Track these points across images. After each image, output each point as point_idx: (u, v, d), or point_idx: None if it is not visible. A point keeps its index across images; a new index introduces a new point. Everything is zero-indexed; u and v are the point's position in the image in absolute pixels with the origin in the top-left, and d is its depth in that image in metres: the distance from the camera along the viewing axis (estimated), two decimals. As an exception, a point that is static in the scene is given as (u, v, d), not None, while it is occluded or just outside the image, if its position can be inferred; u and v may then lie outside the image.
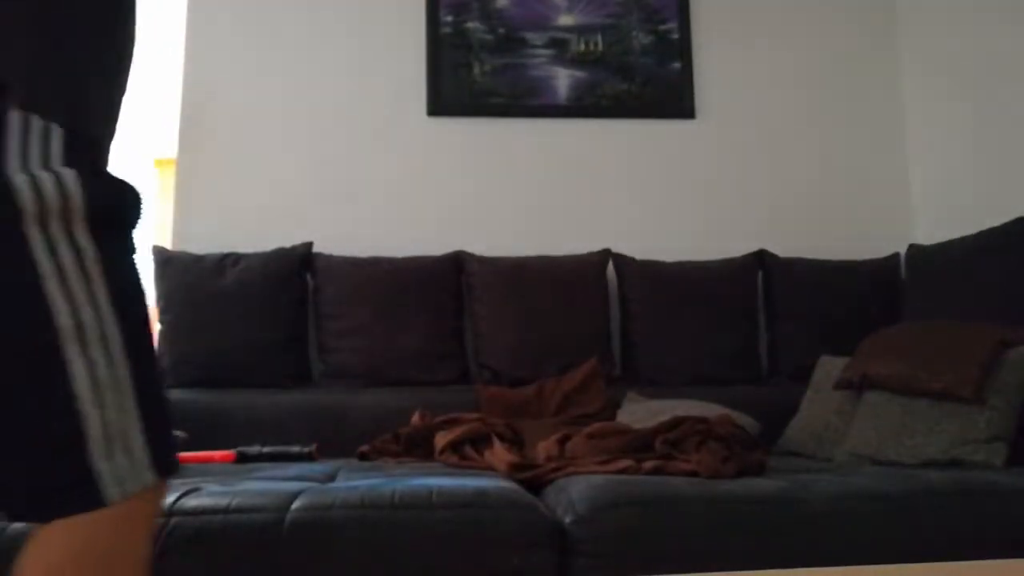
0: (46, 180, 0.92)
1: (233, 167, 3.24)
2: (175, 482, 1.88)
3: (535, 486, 1.95)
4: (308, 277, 3.00)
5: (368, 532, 1.61)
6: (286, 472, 2.08)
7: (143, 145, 6.62)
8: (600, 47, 3.33)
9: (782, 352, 2.97)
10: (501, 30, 3.31)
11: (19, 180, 0.90)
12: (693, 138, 3.33)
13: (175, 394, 2.77)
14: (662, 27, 3.35)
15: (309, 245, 3.02)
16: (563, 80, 3.31)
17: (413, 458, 2.39)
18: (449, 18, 3.31)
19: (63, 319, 0.93)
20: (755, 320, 3.02)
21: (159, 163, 6.73)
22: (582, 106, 3.31)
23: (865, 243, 3.18)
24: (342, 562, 1.59)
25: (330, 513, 1.62)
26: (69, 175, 0.93)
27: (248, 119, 3.27)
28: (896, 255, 3.06)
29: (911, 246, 2.94)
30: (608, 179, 3.29)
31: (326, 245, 3.06)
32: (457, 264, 3.02)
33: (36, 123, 0.93)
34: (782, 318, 2.99)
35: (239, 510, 1.62)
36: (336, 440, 2.59)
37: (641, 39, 3.34)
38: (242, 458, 2.41)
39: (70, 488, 0.95)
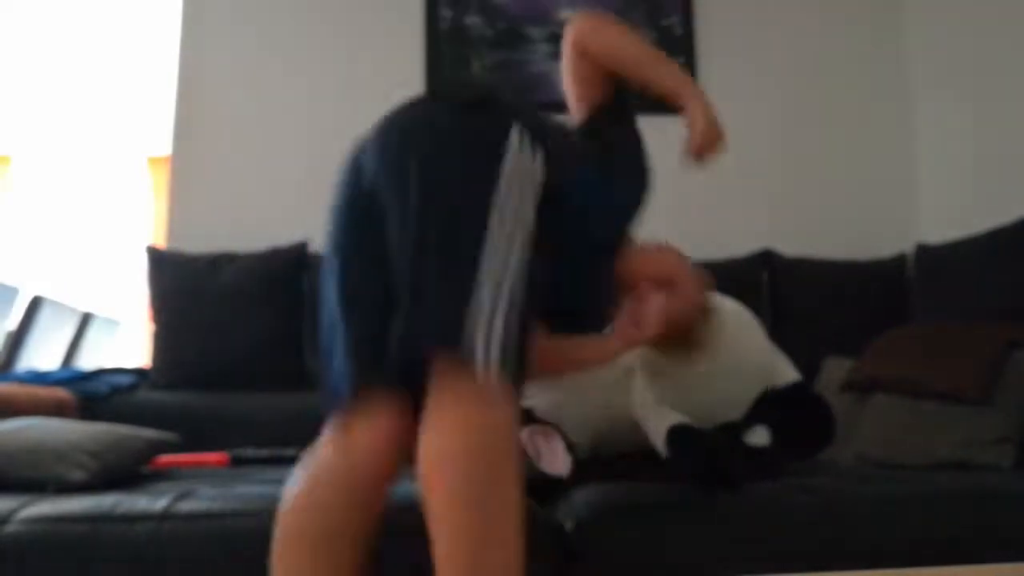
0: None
1: (227, 166, 3.25)
2: (167, 485, 1.87)
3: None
4: (303, 277, 2.98)
5: (364, 536, 1.58)
6: (280, 476, 2.06)
7: (136, 143, 6.62)
8: (604, 41, 3.32)
9: (787, 352, 2.94)
10: (501, 24, 3.32)
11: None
12: (696, 135, 3.32)
13: (168, 396, 2.78)
14: (665, 22, 3.36)
15: (304, 245, 3.01)
16: (564, 76, 3.30)
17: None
18: (448, 13, 3.31)
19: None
20: (760, 320, 3.00)
21: (153, 161, 6.73)
22: (583, 102, 3.30)
23: (872, 242, 3.18)
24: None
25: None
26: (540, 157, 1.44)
27: (243, 117, 3.28)
28: (903, 254, 3.06)
29: (919, 245, 2.94)
30: (609, 177, 3.27)
31: (321, 245, 3.04)
32: (456, 264, 3.00)
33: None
34: (788, 318, 2.97)
35: (232, 514, 1.63)
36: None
37: (644, 34, 3.33)
38: (236, 461, 2.41)
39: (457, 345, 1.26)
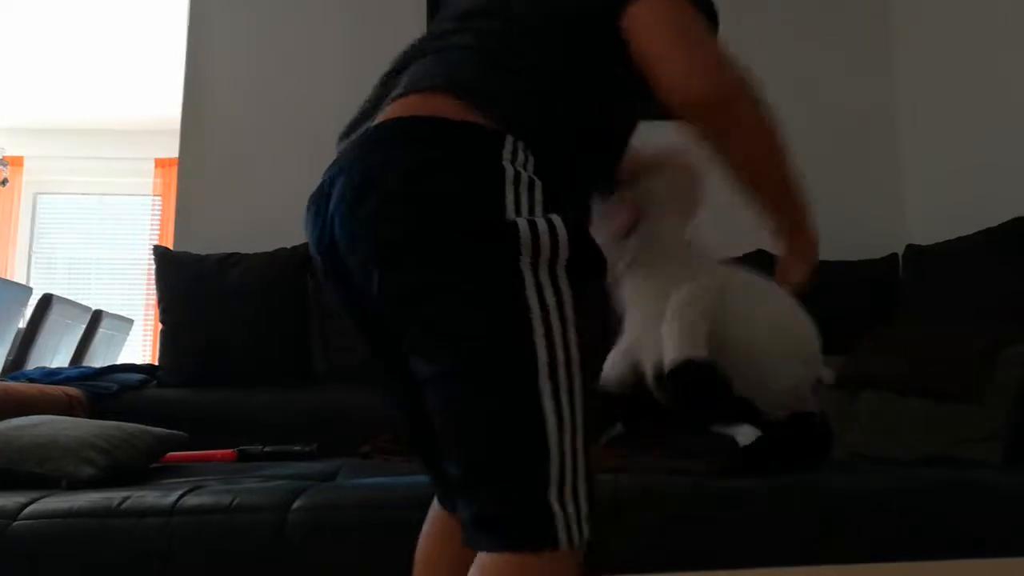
0: (540, 223, 0.97)
1: (234, 167, 3.25)
2: (176, 481, 1.89)
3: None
4: (309, 277, 3.01)
5: (368, 531, 1.62)
6: (287, 471, 2.09)
7: (145, 145, 6.63)
8: (599, 49, 3.32)
9: (780, 350, 2.98)
10: (501, 31, 3.31)
11: (520, 221, 0.97)
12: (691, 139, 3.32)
13: (176, 393, 2.79)
14: (661, 28, 3.35)
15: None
16: (563, 80, 3.30)
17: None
18: (449, 19, 3.31)
19: (541, 356, 0.96)
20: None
21: (160, 163, 6.74)
22: (582, 106, 3.30)
23: (863, 243, 3.18)
24: (342, 560, 1.60)
25: (331, 512, 1.64)
26: (558, 220, 0.99)
27: (249, 119, 3.28)
28: (894, 255, 3.06)
29: (908, 246, 2.94)
30: (608, 180, 3.28)
31: (327, 245, 3.07)
32: (457, 264, 3.02)
33: (524, 176, 1.00)
34: (780, 317, 2.99)
35: (240, 509, 1.65)
36: (337, 439, 2.58)
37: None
38: (243, 457, 2.42)
39: (524, 522, 0.96)
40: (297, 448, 2.45)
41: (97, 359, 4.28)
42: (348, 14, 3.36)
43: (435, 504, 1.27)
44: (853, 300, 2.97)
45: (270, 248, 3.01)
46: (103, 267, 6.82)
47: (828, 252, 3.06)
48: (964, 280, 2.58)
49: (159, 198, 6.78)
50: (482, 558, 0.98)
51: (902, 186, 3.36)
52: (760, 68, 3.49)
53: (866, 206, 3.35)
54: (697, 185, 1.73)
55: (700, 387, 1.64)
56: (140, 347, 6.40)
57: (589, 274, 1.05)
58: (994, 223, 2.54)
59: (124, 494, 1.69)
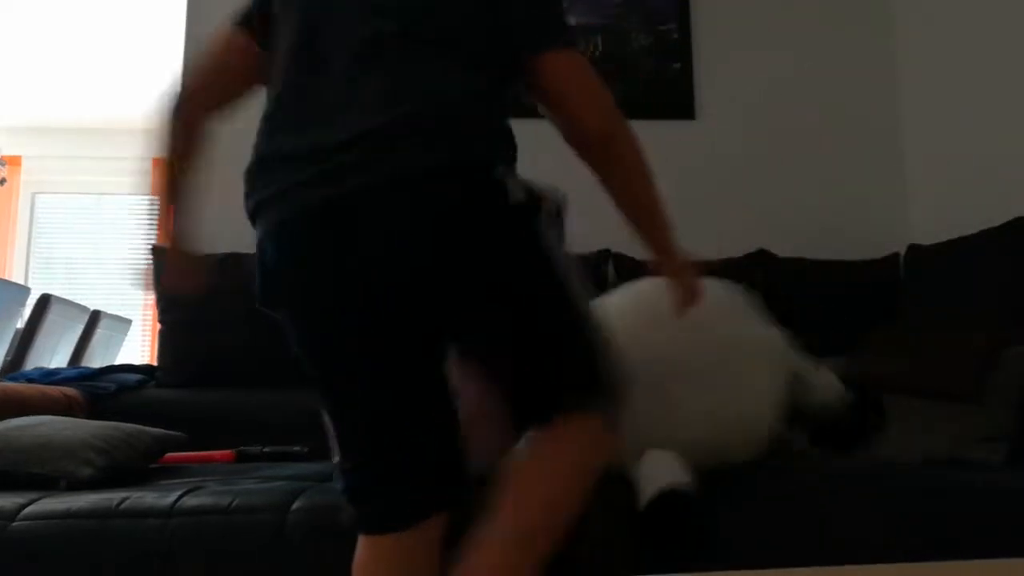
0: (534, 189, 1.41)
1: (232, 168, 3.23)
2: (175, 481, 1.89)
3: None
4: (308, 277, 3.00)
5: (368, 531, 1.61)
6: (286, 472, 2.09)
7: (141, 144, 6.63)
8: (600, 48, 3.32)
9: (782, 351, 2.97)
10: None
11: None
12: (693, 139, 3.33)
13: (175, 394, 2.79)
14: (662, 27, 3.35)
15: (309, 245, 3.02)
16: (563, 81, 3.31)
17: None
18: (448, 17, 3.31)
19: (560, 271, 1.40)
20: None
21: (160, 163, 6.73)
22: (582, 106, 3.31)
23: (864, 243, 3.18)
24: (343, 560, 1.59)
25: (331, 512, 1.63)
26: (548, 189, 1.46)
27: (247, 119, 3.26)
28: (895, 255, 3.06)
29: (910, 246, 2.94)
30: (608, 179, 3.29)
31: (326, 244, 3.07)
32: (457, 264, 3.02)
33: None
34: (782, 317, 2.97)
35: (239, 510, 1.65)
36: (336, 440, 2.57)
37: (641, 40, 3.34)
38: (242, 458, 2.42)
39: (595, 391, 1.37)
40: (296, 449, 2.45)
41: (95, 359, 4.28)
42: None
43: (377, 540, 1.36)
44: (854, 300, 2.97)
45: (269, 248, 3.00)
46: (101, 267, 6.81)
47: (829, 252, 3.10)
48: (965, 280, 2.57)
49: (158, 198, 6.77)
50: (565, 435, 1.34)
51: (904, 186, 3.36)
52: (763, 68, 3.54)
53: (868, 205, 3.35)
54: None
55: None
56: (139, 347, 6.39)
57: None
58: (996, 223, 2.53)
59: (123, 495, 1.69)
